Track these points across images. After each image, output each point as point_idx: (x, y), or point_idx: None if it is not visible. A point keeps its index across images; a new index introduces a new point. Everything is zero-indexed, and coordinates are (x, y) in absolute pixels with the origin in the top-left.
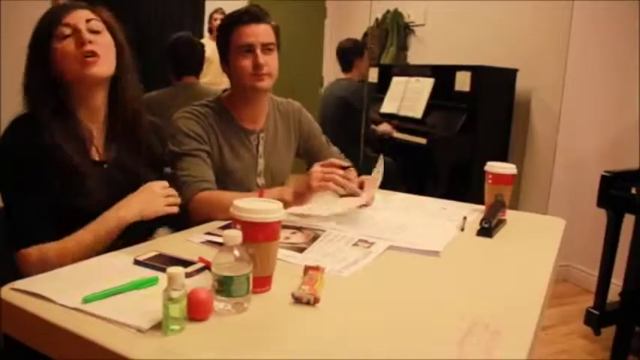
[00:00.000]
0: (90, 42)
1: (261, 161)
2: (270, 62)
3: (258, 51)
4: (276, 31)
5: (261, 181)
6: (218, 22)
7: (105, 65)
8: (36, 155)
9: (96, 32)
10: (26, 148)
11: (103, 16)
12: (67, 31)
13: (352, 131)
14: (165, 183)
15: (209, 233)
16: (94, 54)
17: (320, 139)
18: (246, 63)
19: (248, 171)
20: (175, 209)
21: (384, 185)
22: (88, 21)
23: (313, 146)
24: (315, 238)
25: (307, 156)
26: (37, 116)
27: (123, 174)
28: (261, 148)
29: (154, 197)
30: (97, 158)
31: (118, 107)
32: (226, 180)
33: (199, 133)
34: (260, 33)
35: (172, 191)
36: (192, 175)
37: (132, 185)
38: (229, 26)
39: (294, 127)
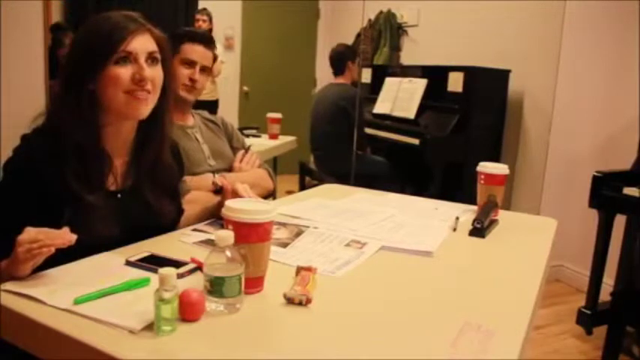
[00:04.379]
0: (148, 79)
1: (205, 147)
2: (201, 81)
3: (197, 67)
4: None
5: (212, 162)
6: (200, 23)
7: (151, 104)
8: (46, 172)
9: (153, 63)
10: (42, 168)
11: (161, 44)
12: (125, 56)
13: (344, 132)
14: (44, 229)
15: (196, 230)
16: (148, 92)
17: (235, 132)
18: (185, 73)
19: (199, 155)
20: (41, 253)
21: (378, 185)
22: (149, 52)
23: (232, 135)
24: (299, 234)
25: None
26: (61, 140)
27: (137, 203)
28: (199, 137)
29: (14, 252)
30: (113, 188)
31: (148, 143)
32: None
33: None
34: (205, 55)
35: (47, 235)
36: None
37: (145, 214)
38: (181, 38)
39: (220, 125)
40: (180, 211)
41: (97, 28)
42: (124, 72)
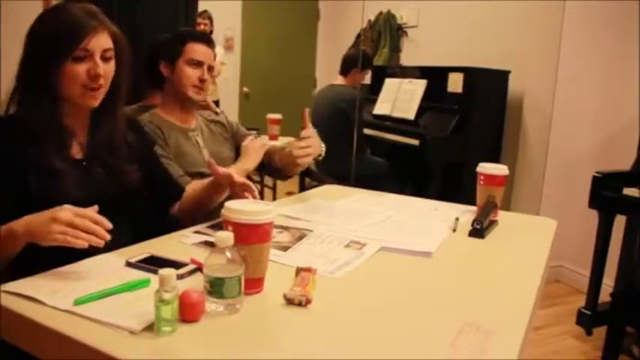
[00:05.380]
0: (101, 76)
1: (205, 151)
2: (208, 81)
3: (205, 67)
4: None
5: None
6: (202, 27)
7: (101, 96)
8: (12, 153)
9: (106, 60)
10: (8, 149)
11: (117, 40)
12: (83, 54)
13: (343, 133)
14: (82, 211)
15: (198, 232)
16: (100, 87)
17: (240, 127)
18: (194, 74)
19: (197, 157)
20: (74, 243)
21: (378, 186)
22: (104, 50)
23: (238, 130)
24: (300, 238)
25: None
26: (25, 113)
27: (102, 170)
28: (200, 141)
29: (48, 220)
30: (78, 156)
31: (101, 122)
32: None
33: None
34: (209, 54)
35: (85, 223)
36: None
37: (112, 181)
38: (184, 39)
39: (225, 123)
40: (173, 187)
41: (57, 24)
42: (81, 69)
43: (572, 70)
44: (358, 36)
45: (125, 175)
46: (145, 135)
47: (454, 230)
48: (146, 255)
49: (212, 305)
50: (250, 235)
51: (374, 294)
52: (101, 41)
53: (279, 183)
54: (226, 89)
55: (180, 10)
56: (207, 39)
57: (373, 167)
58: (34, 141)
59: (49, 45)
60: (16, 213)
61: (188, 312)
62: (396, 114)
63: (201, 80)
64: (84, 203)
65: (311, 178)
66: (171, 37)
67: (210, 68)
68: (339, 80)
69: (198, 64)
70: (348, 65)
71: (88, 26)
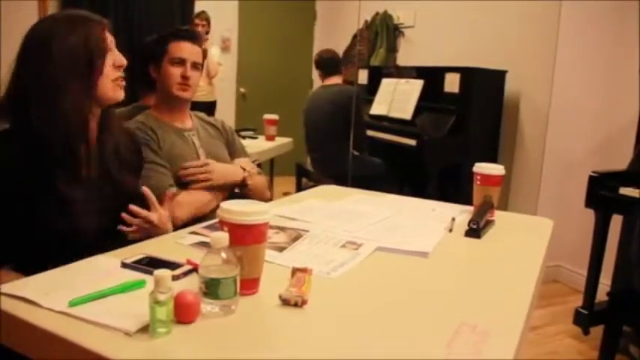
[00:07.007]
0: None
1: (201, 151)
2: (194, 77)
3: (188, 64)
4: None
5: None
6: (199, 27)
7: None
8: (24, 174)
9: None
10: (16, 166)
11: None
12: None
13: (345, 133)
14: None
15: (194, 233)
16: (123, 77)
17: (235, 138)
18: (177, 72)
19: (194, 158)
20: None
21: (376, 187)
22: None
23: (233, 141)
24: (296, 238)
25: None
26: (43, 128)
27: (110, 186)
28: (196, 141)
29: None
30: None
31: (107, 128)
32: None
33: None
34: (193, 51)
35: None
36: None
37: (118, 195)
38: (166, 38)
39: (220, 128)
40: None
41: (72, 43)
42: (108, 64)
43: (568, 69)
44: (355, 36)
45: (124, 185)
46: (139, 147)
47: (450, 230)
48: (142, 256)
49: (207, 306)
50: (246, 236)
51: (370, 294)
52: (110, 37)
53: (276, 183)
54: (223, 90)
55: (177, 12)
56: (190, 36)
57: (371, 168)
58: (51, 158)
59: (76, 63)
60: (26, 229)
61: (183, 313)
62: (393, 114)
63: (184, 77)
64: (95, 224)
65: (308, 178)
66: (156, 38)
67: (197, 65)
68: (333, 80)
69: (181, 61)
70: (337, 65)
71: (102, 36)
